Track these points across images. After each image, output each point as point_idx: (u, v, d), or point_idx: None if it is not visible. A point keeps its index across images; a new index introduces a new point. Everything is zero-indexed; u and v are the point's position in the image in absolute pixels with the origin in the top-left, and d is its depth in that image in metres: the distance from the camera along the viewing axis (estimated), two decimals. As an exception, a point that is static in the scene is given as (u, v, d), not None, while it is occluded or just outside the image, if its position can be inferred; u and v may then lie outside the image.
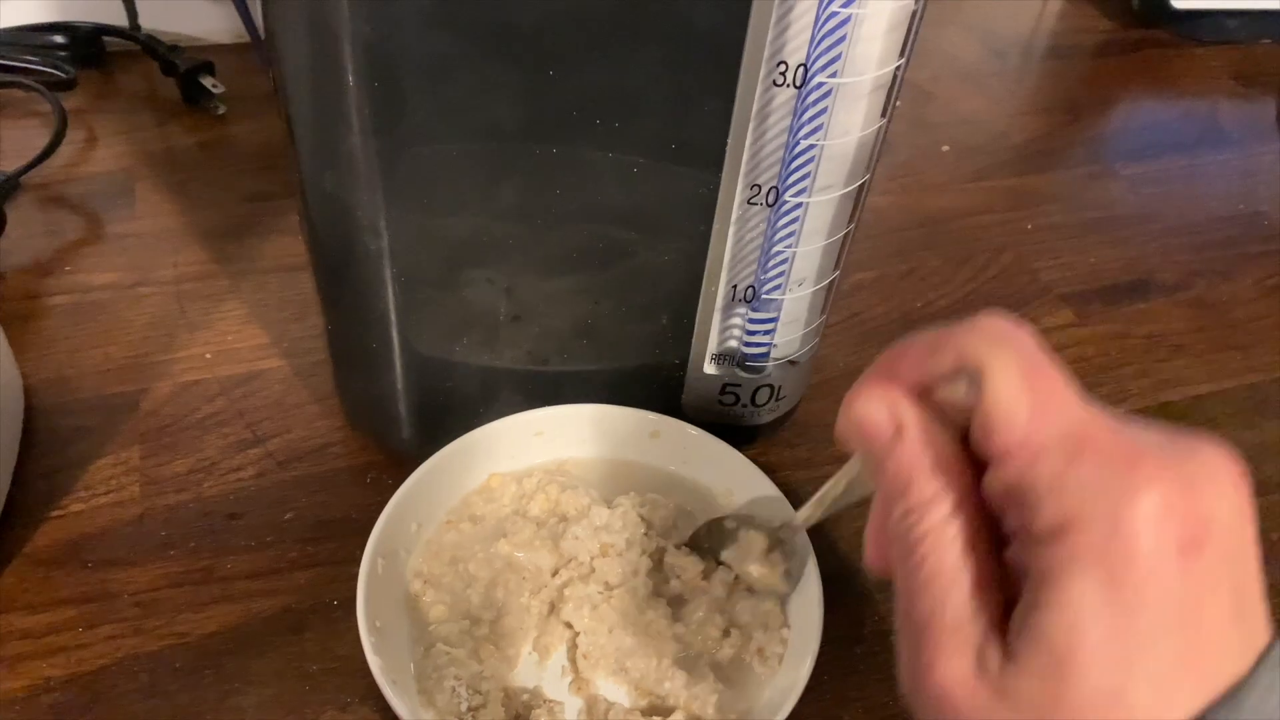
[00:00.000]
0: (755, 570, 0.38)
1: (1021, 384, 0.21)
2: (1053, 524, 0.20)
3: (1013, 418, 0.21)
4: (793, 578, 0.38)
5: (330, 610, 0.40)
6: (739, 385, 0.43)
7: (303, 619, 0.40)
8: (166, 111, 0.66)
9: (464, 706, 0.34)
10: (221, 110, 0.65)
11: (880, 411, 0.23)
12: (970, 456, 0.23)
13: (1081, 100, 0.77)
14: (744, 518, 0.39)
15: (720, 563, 0.39)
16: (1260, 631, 0.21)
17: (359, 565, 0.36)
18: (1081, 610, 0.20)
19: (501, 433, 0.41)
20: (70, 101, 0.63)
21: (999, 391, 0.21)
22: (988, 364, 0.22)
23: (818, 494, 0.33)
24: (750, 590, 0.38)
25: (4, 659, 0.37)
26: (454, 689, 0.34)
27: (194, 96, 0.65)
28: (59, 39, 0.66)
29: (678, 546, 0.39)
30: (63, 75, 0.63)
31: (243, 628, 0.39)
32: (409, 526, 0.39)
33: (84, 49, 0.67)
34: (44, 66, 0.63)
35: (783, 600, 0.38)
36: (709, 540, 0.39)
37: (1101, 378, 0.53)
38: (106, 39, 0.68)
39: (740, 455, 0.41)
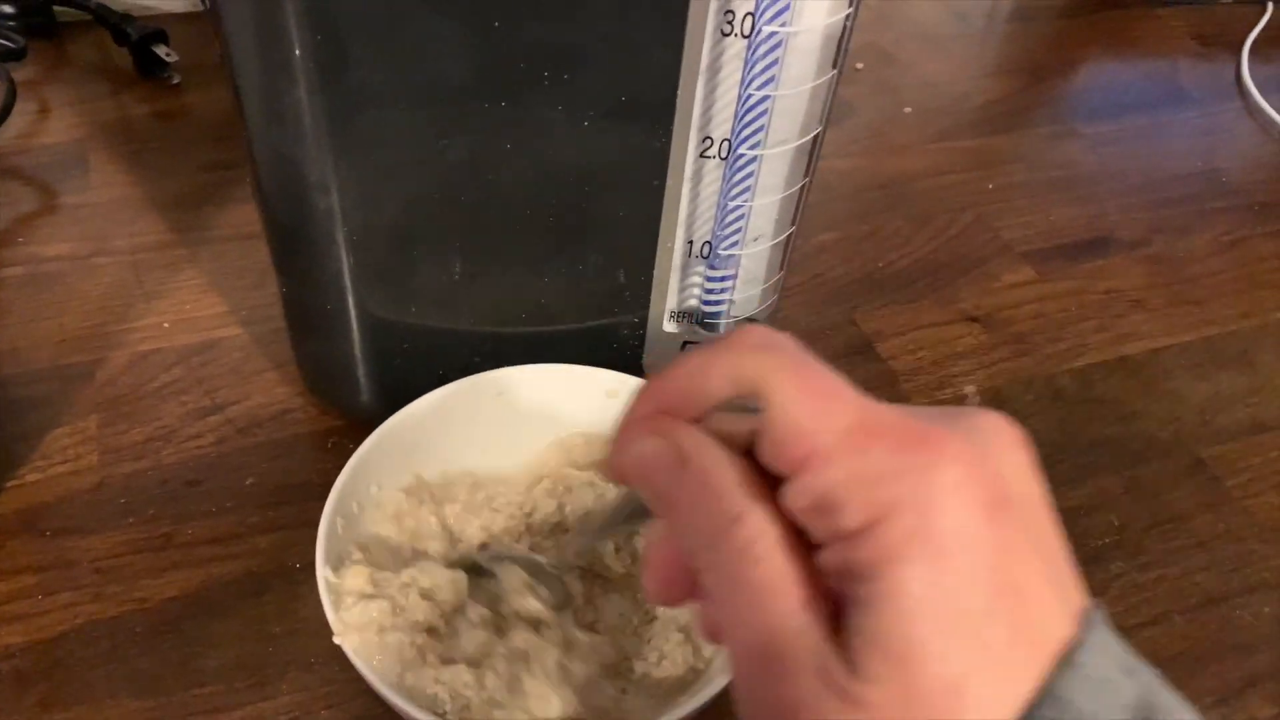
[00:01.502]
0: (518, 604, 0.36)
1: (802, 392, 0.21)
2: (862, 519, 0.19)
3: (800, 426, 0.20)
4: (559, 605, 0.36)
5: (292, 573, 0.40)
6: (699, 343, 0.43)
7: (264, 582, 0.40)
8: (120, 81, 0.65)
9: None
10: (176, 80, 0.64)
11: (658, 445, 0.22)
12: (760, 474, 0.22)
13: (1044, 62, 0.77)
14: (498, 555, 0.38)
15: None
16: (1074, 594, 0.21)
17: (320, 527, 0.36)
18: (910, 601, 0.19)
19: (460, 393, 0.41)
20: (21, 73, 0.62)
21: (784, 405, 0.20)
22: (766, 380, 0.21)
23: (589, 533, 0.32)
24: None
25: (-39, 628, 0.37)
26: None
27: (148, 66, 0.64)
28: (8, 8, 0.65)
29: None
30: (12, 45, 0.62)
31: (203, 592, 0.39)
32: (368, 487, 0.39)
33: (34, 19, 0.66)
34: (-8, 37, 0.62)
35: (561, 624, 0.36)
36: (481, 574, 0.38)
37: (1061, 333, 0.54)
38: (57, 8, 0.67)
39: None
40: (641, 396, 0.23)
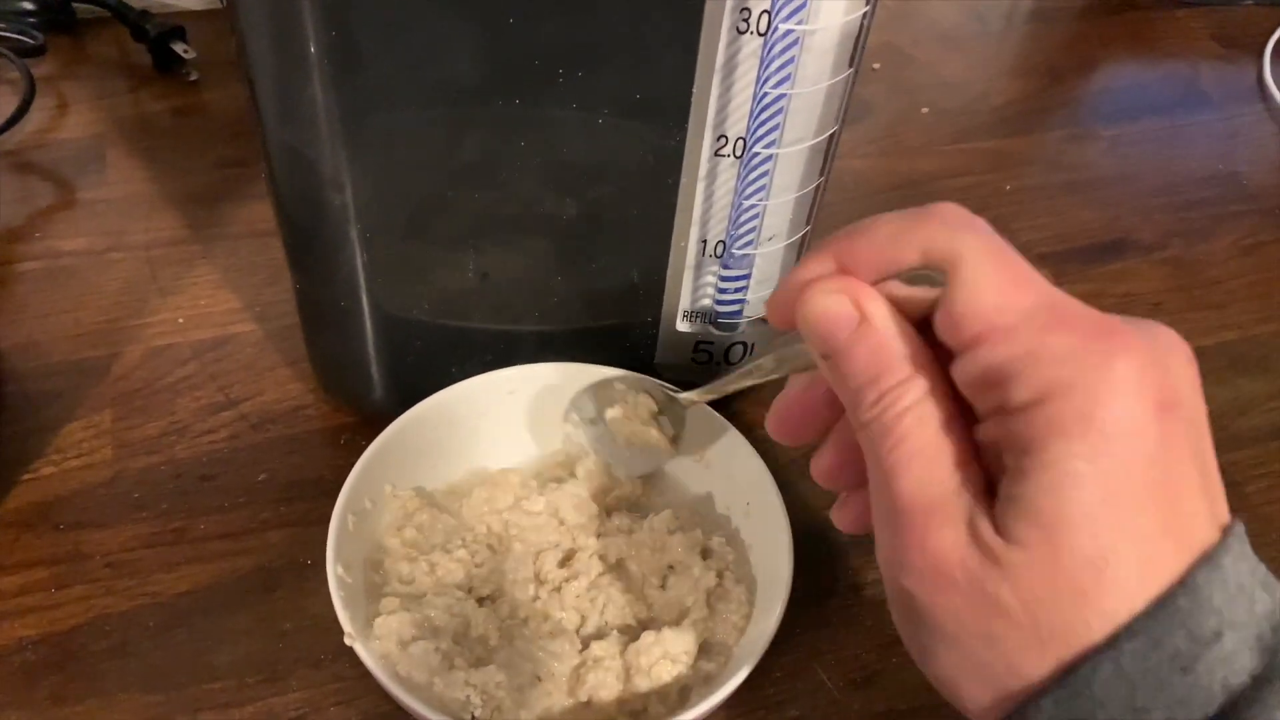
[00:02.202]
0: (639, 430, 0.38)
1: (995, 270, 0.21)
2: (1033, 394, 0.20)
3: (989, 302, 0.21)
4: (679, 445, 0.39)
5: (303, 569, 0.40)
6: (712, 343, 0.43)
7: (276, 578, 0.40)
8: (138, 78, 0.65)
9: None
10: (194, 76, 0.64)
11: (843, 304, 0.23)
12: (932, 346, 0.23)
13: (1062, 63, 0.77)
14: (635, 381, 0.40)
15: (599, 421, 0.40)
16: (1221, 505, 0.22)
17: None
18: (1068, 474, 0.20)
19: (473, 392, 0.41)
20: (40, 69, 0.63)
21: (976, 280, 0.21)
22: (959, 252, 0.22)
23: (741, 368, 0.32)
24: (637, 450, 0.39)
25: (-25, 619, 0.38)
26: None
27: (165, 63, 0.65)
28: (27, 4, 0.65)
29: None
30: (31, 41, 0.62)
31: (215, 587, 0.39)
32: (381, 485, 0.39)
33: (53, 15, 0.66)
34: (12, 33, 0.62)
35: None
36: (596, 399, 0.40)
37: (1077, 336, 0.53)
38: (76, 5, 0.67)
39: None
40: (825, 250, 0.24)
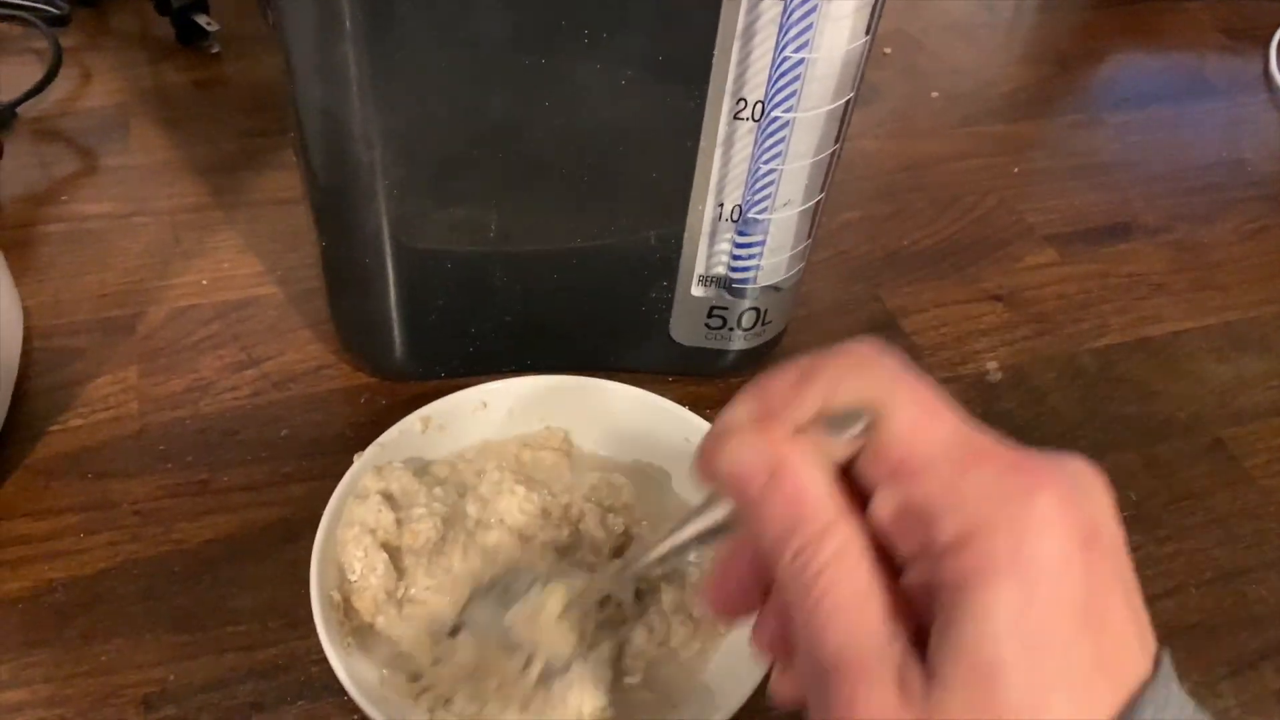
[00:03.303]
0: (541, 634, 0.33)
1: (912, 405, 0.21)
2: (957, 534, 0.20)
3: (908, 437, 0.21)
4: (586, 640, 0.34)
5: (324, 521, 0.41)
6: (725, 309, 0.44)
7: (296, 529, 0.41)
8: (161, 50, 0.66)
9: None
10: (216, 49, 0.65)
11: (754, 451, 0.22)
12: (852, 493, 0.22)
13: (1071, 51, 0.78)
14: (560, 570, 0.36)
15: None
16: (1148, 633, 0.21)
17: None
18: (999, 617, 0.19)
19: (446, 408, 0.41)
20: (65, 40, 0.64)
21: (895, 415, 0.21)
22: (876, 391, 0.22)
23: (663, 545, 0.28)
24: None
25: (7, 562, 0.39)
26: None
27: (188, 35, 0.66)
28: (52, -24, 0.66)
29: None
30: (57, 12, 0.63)
31: (239, 536, 0.40)
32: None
33: (77, -13, 0.67)
34: (38, 3, 0.63)
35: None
36: (500, 591, 0.36)
37: (1083, 313, 0.54)
38: (100, -23, 0.68)
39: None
40: (743, 399, 0.23)
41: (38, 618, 0.37)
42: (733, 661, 0.35)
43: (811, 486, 0.22)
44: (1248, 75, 0.76)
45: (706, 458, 0.24)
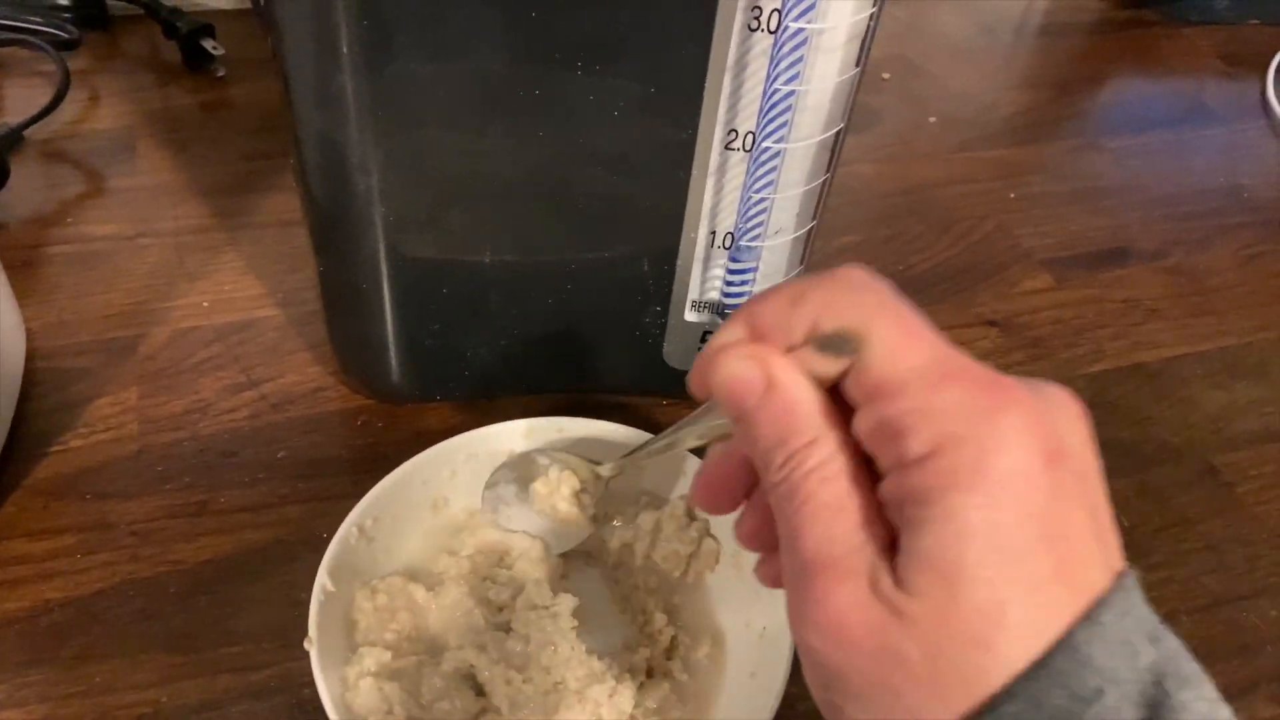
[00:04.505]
0: (561, 507, 0.38)
1: (894, 330, 0.22)
2: (927, 447, 0.21)
3: (888, 359, 0.22)
4: (600, 519, 0.39)
5: (320, 543, 0.40)
6: (720, 331, 0.44)
7: (293, 550, 0.41)
8: (168, 73, 0.67)
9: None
10: (222, 73, 0.66)
11: (751, 369, 0.24)
12: (837, 410, 0.23)
13: (1069, 77, 0.78)
14: (560, 456, 0.40)
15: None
16: (1115, 554, 0.22)
17: (350, 500, 0.38)
18: (962, 525, 0.20)
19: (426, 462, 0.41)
20: (74, 62, 0.65)
21: (878, 339, 0.22)
22: (862, 316, 0.22)
23: (662, 439, 0.33)
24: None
25: (5, 582, 0.39)
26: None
27: (195, 59, 0.67)
28: (63, 0, 0.67)
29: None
30: (66, 35, 0.64)
31: (236, 557, 0.41)
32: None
33: (87, 10, 0.68)
34: (48, 27, 0.65)
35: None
36: (518, 470, 0.40)
37: (1078, 339, 0.55)
38: (110, 1, 0.69)
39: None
40: (736, 320, 0.25)
41: (34, 637, 0.38)
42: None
43: (802, 402, 0.23)
44: (1246, 101, 0.77)
45: (703, 371, 0.25)
